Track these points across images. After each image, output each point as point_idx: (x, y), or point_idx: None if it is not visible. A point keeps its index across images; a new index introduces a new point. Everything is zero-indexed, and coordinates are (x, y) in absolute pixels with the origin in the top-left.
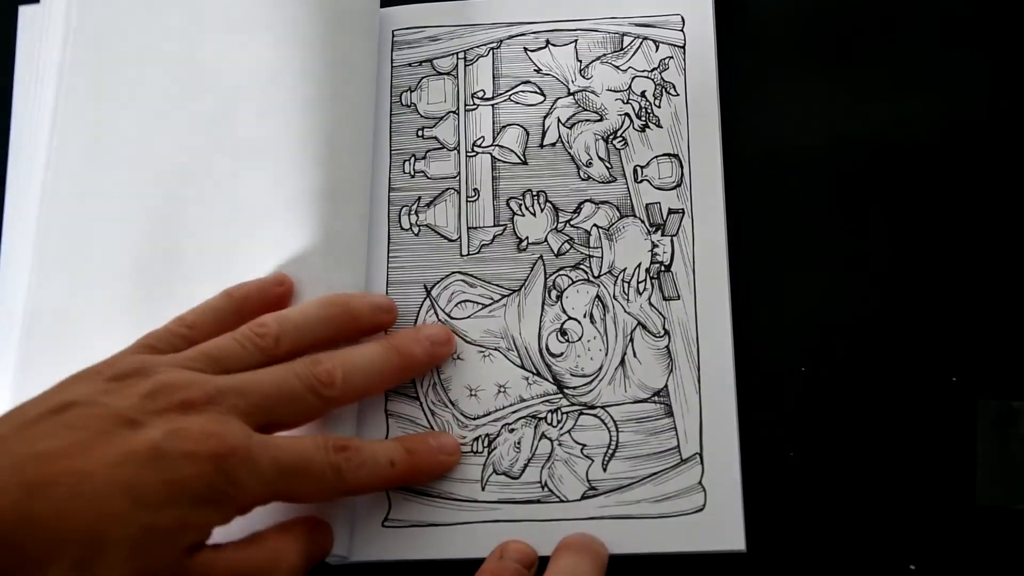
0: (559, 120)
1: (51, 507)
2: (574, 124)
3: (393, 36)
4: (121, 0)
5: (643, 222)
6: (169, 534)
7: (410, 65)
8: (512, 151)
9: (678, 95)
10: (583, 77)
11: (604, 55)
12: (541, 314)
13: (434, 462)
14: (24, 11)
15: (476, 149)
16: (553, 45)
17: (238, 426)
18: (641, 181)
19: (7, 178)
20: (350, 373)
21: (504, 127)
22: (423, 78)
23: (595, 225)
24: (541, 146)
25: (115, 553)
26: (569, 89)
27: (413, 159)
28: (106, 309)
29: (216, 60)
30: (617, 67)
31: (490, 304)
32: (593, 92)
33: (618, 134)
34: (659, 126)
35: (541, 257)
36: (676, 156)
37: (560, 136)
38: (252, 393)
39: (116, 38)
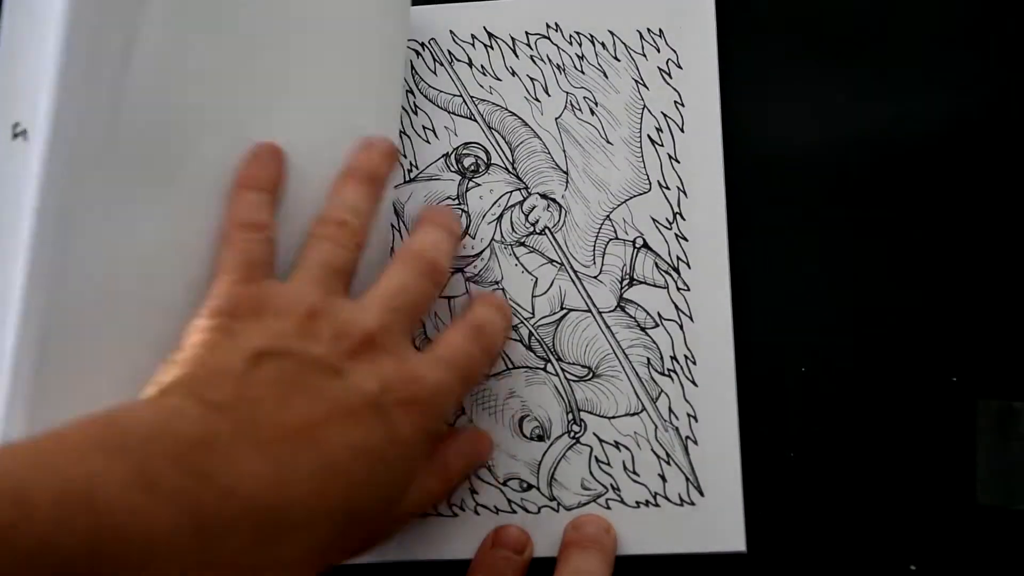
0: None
1: (300, 484)
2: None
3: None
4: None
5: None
6: (398, 490)
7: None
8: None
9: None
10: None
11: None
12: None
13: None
14: None
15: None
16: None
17: (415, 356)
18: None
19: None
20: (439, 251)
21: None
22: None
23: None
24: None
25: (360, 517)
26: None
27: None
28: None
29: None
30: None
31: None
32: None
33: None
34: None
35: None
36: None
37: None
38: (404, 307)
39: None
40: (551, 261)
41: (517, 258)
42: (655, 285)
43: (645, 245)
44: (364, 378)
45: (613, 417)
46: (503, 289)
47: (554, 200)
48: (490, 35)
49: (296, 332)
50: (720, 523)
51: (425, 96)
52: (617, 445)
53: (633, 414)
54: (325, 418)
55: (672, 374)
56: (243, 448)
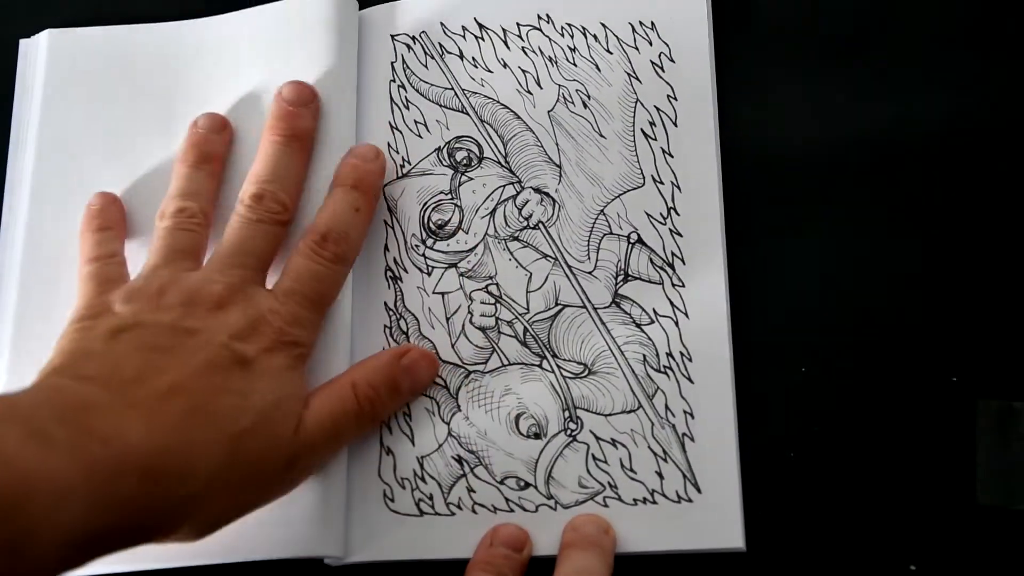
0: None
1: (175, 431)
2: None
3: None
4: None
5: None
6: (277, 417)
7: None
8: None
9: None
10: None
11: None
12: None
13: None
14: (24, 44)
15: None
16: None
17: (264, 298)
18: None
19: (4, 199)
20: (281, 187)
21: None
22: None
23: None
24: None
25: (245, 451)
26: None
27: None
28: None
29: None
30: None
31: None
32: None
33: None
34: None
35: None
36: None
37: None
38: (246, 263)
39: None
40: (545, 256)
41: (511, 253)
42: (650, 281)
43: (639, 240)
44: (215, 333)
45: (610, 414)
46: (498, 284)
47: (547, 194)
48: (481, 26)
49: (148, 308)
50: (717, 520)
51: (417, 90)
52: (614, 443)
53: (630, 411)
54: (189, 372)
55: (668, 371)
56: (119, 408)
